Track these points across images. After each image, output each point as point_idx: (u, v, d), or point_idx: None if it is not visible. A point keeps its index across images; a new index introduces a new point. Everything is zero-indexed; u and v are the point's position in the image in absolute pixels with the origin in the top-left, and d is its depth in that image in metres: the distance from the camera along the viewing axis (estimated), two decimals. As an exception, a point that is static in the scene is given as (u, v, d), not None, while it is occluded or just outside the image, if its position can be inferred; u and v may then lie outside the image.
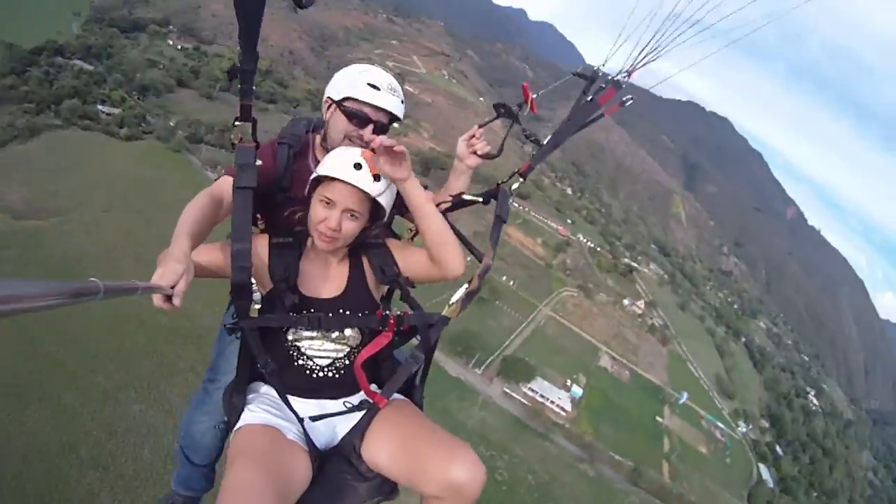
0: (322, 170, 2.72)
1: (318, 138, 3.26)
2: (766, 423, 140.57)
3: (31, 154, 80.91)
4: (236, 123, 2.63)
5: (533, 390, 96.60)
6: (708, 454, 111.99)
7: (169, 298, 2.09)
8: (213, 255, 2.72)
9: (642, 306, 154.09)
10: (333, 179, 2.69)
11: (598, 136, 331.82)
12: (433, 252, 2.86)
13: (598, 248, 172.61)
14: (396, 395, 3.01)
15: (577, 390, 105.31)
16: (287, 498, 2.45)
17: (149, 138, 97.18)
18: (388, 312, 2.96)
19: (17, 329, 45.14)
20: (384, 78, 3.09)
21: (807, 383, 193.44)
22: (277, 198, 3.08)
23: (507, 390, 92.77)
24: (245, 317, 2.69)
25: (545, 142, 3.19)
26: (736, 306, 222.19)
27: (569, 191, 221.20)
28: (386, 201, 2.81)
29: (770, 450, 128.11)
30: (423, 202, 2.81)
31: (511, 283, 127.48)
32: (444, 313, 2.93)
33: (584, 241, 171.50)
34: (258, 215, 3.24)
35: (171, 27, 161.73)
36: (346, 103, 3.03)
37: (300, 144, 3.22)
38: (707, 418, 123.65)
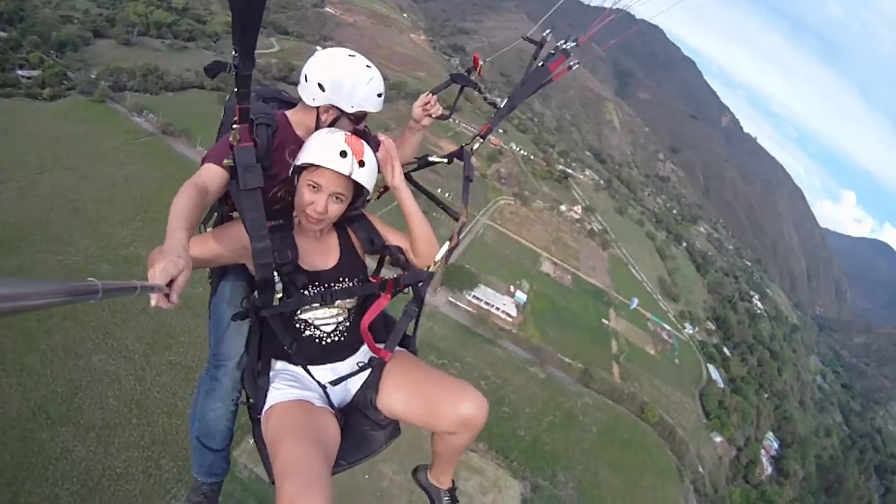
0: (308, 157, 3.04)
1: (294, 129, 3.42)
2: (712, 326, 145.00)
3: None
4: (234, 126, 2.86)
5: (477, 298, 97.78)
6: (656, 355, 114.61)
7: (167, 296, 2.20)
8: (204, 246, 3.03)
9: (579, 212, 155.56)
10: (320, 166, 3.04)
11: (525, 45, 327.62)
12: (418, 247, 3.48)
13: (532, 157, 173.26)
14: (396, 348, 3.48)
15: (521, 296, 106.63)
16: (332, 459, 2.84)
17: (72, 94, 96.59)
18: (385, 277, 3.44)
19: None
20: (381, 81, 3.46)
21: (750, 287, 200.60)
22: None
23: (452, 299, 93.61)
24: (269, 306, 3.10)
25: (502, 105, 3.77)
26: (675, 211, 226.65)
27: (499, 101, 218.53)
28: (370, 183, 3.19)
29: (718, 351, 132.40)
30: (413, 208, 3.42)
31: (446, 195, 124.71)
32: (430, 269, 3.48)
33: (518, 149, 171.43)
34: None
35: None
36: (355, 114, 3.42)
37: (276, 123, 3.28)
38: (653, 320, 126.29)
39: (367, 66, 3.38)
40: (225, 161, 3.00)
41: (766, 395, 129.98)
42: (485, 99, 4.05)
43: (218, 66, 3.13)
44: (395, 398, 3.29)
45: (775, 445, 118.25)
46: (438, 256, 3.46)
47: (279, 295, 3.11)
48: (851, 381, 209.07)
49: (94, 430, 44.28)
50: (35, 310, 1.05)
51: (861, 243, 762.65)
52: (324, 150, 3.00)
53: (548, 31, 3.58)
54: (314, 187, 3.06)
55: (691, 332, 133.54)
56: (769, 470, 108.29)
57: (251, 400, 3.43)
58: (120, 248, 62.86)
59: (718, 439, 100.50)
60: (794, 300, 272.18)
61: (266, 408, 3.14)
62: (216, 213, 3.62)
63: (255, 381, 3.34)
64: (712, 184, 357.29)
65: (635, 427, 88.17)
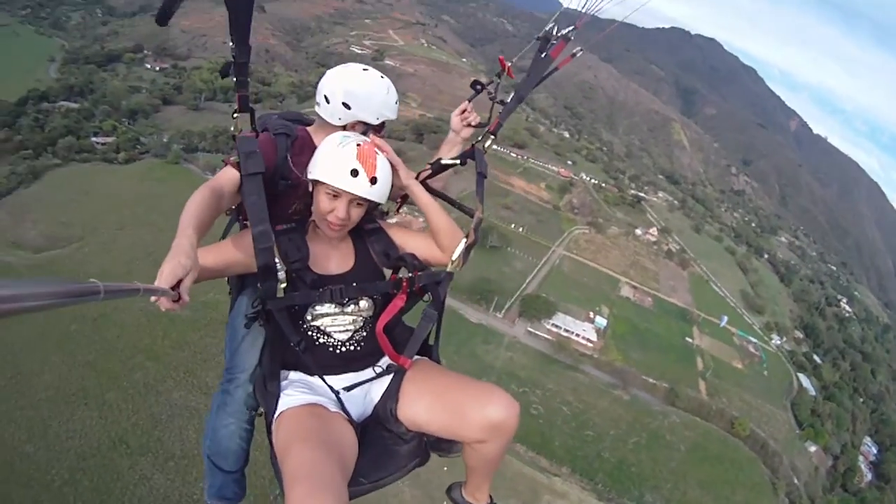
0: (320, 175, 2.96)
1: (316, 134, 3.46)
2: (800, 334, 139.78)
3: (38, 195, 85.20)
4: (235, 115, 2.99)
5: (556, 326, 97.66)
6: (744, 369, 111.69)
7: (174, 299, 2.22)
8: (218, 253, 2.98)
9: (656, 233, 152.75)
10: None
11: (587, 75, 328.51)
12: (441, 240, 3.32)
13: (603, 184, 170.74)
14: (417, 357, 3.26)
15: (601, 321, 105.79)
16: (347, 468, 2.65)
17: (146, 157, 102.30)
18: (400, 276, 3.27)
19: (56, 343, 51.56)
20: (394, 89, 3.46)
21: (837, 291, 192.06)
22: (279, 186, 3.25)
23: (531, 329, 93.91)
24: (273, 297, 2.94)
25: (509, 100, 3.59)
26: (753, 224, 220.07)
27: (566, 134, 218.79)
28: (383, 198, 3.10)
29: (808, 359, 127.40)
30: (428, 200, 3.31)
31: (520, 229, 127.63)
32: (448, 269, 3.26)
33: (588, 178, 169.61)
34: None
35: (145, 51, 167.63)
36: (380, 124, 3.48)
37: (295, 134, 3.39)
38: (739, 334, 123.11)
39: (381, 77, 3.47)
40: (231, 158, 3.06)
41: (861, 400, 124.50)
42: (491, 99, 3.70)
43: (229, 65, 3.05)
44: (417, 407, 3.07)
45: (874, 450, 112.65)
46: (455, 255, 3.26)
47: (283, 285, 3.00)
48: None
49: (174, 460, 46.19)
50: (36, 310, 1.04)
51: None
52: (336, 168, 2.95)
53: (552, 23, 3.44)
54: (334, 196, 3.02)
55: (779, 342, 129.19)
56: (869, 476, 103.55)
57: (262, 409, 3.26)
58: (199, 296, 64.93)
59: (813, 448, 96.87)
60: (883, 300, 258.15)
61: (276, 415, 2.98)
62: (234, 223, 3.71)
63: (265, 388, 3.16)
64: (788, 191, 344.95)
65: (725, 442, 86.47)
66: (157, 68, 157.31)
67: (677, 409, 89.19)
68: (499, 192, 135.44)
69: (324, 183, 2.97)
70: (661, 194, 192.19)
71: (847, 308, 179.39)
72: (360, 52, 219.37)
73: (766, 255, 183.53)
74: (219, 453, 3.63)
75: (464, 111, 3.80)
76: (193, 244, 2.46)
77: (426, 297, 3.30)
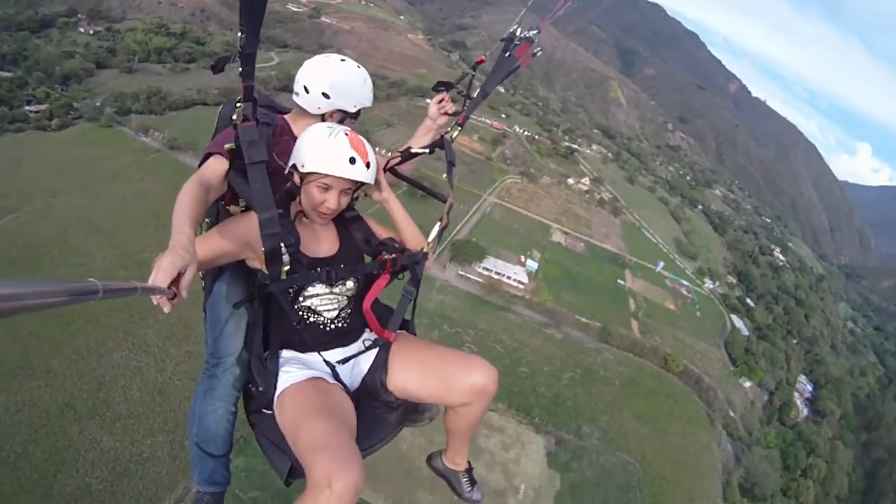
0: (315, 165, 3.11)
1: (295, 122, 3.71)
2: (733, 280, 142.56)
3: None
4: (239, 104, 3.00)
5: (487, 269, 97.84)
6: (676, 310, 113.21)
7: (171, 297, 2.24)
8: (208, 245, 3.03)
9: (588, 183, 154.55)
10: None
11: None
12: (409, 245, 3.64)
13: (537, 136, 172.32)
14: (399, 331, 3.55)
15: (532, 264, 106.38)
16: (353, 434, 2.90)
17: (80, 122, 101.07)
18: (385, 258, 3.51)
19: None
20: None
21: (771, 242, 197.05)
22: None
23: (462, 272, 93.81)
24: (277, 280, 3.11)
25: (475, 95, 3.97)
26: (689, 178, 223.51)
27: (501, 89, 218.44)
28: (373, 178, 3.33)
29: (741, 302, 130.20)
30: (403, 214, 3.66)
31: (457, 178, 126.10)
32: (425, 250, 3.61)
33: (522, 131, 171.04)
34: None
35: (79, 15, 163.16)
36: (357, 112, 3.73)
37: (276, 123, 3.62)
38: (671, 277, 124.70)
39: (358, 66, 3.67)
40: (227, 145, 3.12)
41: (794, 341, 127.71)
42: (458, 92, 4.01)
43: (223, 60, 3.12)
44: (405, 377, 3.38)
45: (809, 388, 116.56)
46: (431, 237, 3.63)
47: (286, 268, 3.13)
48: (883, 324, 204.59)
49: (120, 421, 47.00)
50: (35, 310, 1.05)
51: (882, 192, 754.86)
52: (332, 157, 3.10)
53: (515, 24, 3.83)
54: (324, 188, 3.18)
55: (712, 286, 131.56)
56: (805, 412, 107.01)
57: (260, 388, 3.37)
58: (135, 255, 64.63)
59: (748, 384, 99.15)
60: (818, 252, 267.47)
61: (278, 392, 3.18)
62: (212, 213, 3.70)
63: (263, 367, 3.34)
64: (725, 149, 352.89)
65: (659, 378, 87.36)
66: (91, 32, 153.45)
67: (610, 347, 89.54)
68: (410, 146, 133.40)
69: (318, 174, 3.13)
70: (594, 147, 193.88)
71: (781, 257, 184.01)
72: (296, 9, 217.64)
73: (700, 207, 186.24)
74: (207, 439, 3.67)
75: (441, 101, 4.08)
76: (191, 239, 2.49)
77: (401, 276, 3.62)
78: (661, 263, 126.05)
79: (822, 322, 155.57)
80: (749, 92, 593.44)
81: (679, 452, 73.80)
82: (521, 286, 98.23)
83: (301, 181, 3.24)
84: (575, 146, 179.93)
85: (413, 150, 3.97)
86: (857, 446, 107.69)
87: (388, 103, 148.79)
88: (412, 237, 3.66)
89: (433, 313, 78.91)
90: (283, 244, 3.06)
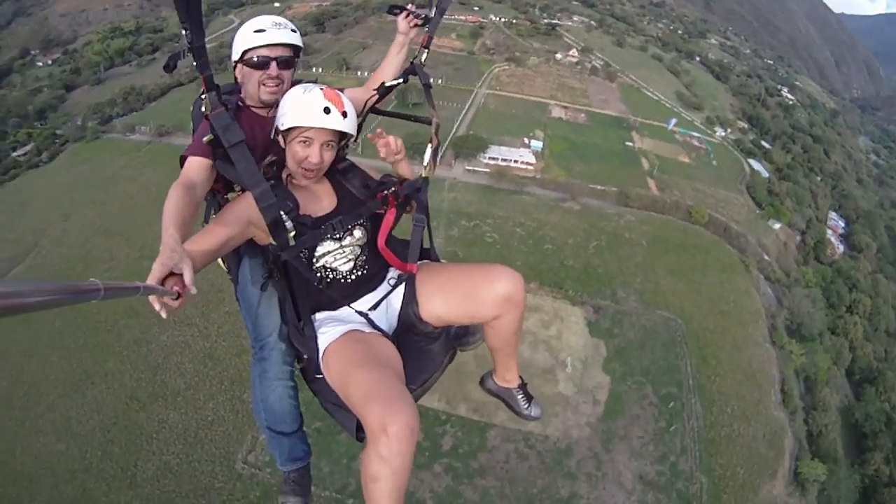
0: (294, 120, 3.22)
1: (248, 104, 3.74)
2: (744, 125, 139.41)
3: None
4: (203, 95, 3.15)
5: (493, 158, 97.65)
6: (691, 162, 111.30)
7: (173, 297, 2.42)
8: (212, 235, 3.09)
9: (576, 54, 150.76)
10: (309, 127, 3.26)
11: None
12: (406, 171, 3.74)
13: (514, 21, 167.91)
14: (419, 261, 3.66)
15: (537, 143, 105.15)
16: (400, 375, 3.05)
17: (68, 146, 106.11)
18: (385, 192, 3.59)
19: (47, 344, 56.62)
20: (267, 19, 3.58)
21: (777, 82, 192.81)
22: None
23: (469, 167, 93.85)
24: (286, 247, 3.24)
25: (433, 14, 4.08)
26: (680, 31, 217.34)
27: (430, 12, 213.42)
28: (354, 129, 3.42)
29: (756, 146, 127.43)
30: (407, 167, 3.73)
31: (439, 81, 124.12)
32: (423, 175, 3.71)
33: (498, 18, 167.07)
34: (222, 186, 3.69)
35: (32, 52, 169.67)
36: (245, 56, 3.57)
37: (235, 103, 3.59)
38: (681, 131, 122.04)
39: (257, 17, 3.60)
40: (204, 139, 3.21)
41: (818, 178, 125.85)
42: (418, 17, 4.08)
43: (173, 57, 3.19)
44: (435, 303, 3.45)
45: (841, 224, 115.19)
46: (426, 160, 3.69)
47: (292, 233, 3.22)
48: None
49: (181, 395, 52.13)
50: (36, 309, 1.06)
51: (881, 20, 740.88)
52: (307, 110, 3.18)
53: None
54: (305, 142, 3.25)
55: (723, 134, 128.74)
56: (841, 248, 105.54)
57: (305, 357, 3.49)
58: (156, 245, 64.44)
59: (777, 226, 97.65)
60: (827, 88, 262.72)
61: (322, 354, 3.29)
62: (212, 207, 3.75)
63: (300, 335, 3.44)
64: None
65: (685, 231, 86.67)
66: (50, 62, 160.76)
67: (631, 209, 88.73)
68: (409, 56, 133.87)
69: (298, 128, 3.23)
70: (576, 18, 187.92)
71: (790, 96, 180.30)
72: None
73: (697, 58, 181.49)
74: (276, 419, 3.78)
75: (408, 15, 4.16)
76: (177, 239, 2.61)
77: (409, 209, 3.70)
78: (674, 120, 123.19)
79: (844, 157, 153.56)
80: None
81: (719, 302, 73.62)
82: (529, 167, 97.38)
83: (284, 143, 3.31)
84: (556, 21, 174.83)
85: (388, 85, 4.07)
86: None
87: (358, 27, 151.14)
88: (410, 170, 3.74)
89: (448, 212, 79.68)
90: (282, 212, 3.17)
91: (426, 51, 4.15)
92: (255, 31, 3.52)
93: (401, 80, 4.11)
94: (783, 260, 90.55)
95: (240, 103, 3.67)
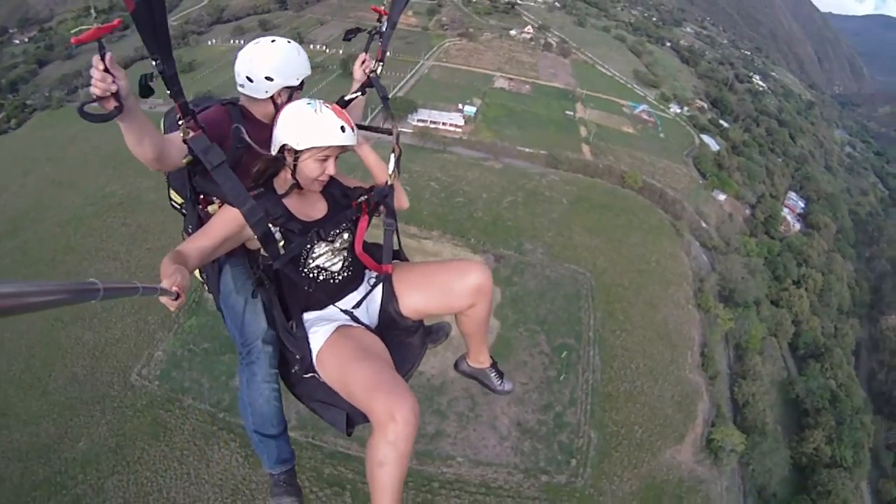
0: (315, 141, 3.38)
1: (252, 111, 3.99)
2: (704, 104, 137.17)
3: None
4: (181, 122, 3.21)
5: (421, 120, 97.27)
6: (636, 132, 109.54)
7: (173, 297, 2.67)
8: (207, 236, 3.33)
9: (532, 31, 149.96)
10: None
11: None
12: (380, 176, 4.03)
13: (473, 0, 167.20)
14: (393, 261, 3.95)
15: (470, 109, 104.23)
16: (392, 366, 3.31)
17: (35, 114, 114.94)
18: (359, 200, 3.82)
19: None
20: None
21: (751, 71, 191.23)
22: (238, 149, 3.64)
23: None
24: (278, 256, 3.44)
25: (384, 28, 4.39)
26: (654, 19, 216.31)
27: (382, 26, 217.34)
28: (357, 140, 3.69)
29: (714, 125, 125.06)
30: (374, 157, 4.05)
31: (388, 54, 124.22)
32: (389, 182, 3.99)
33: None
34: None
35: (10, 31, 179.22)
36: (276, 93, 3.89)
37: (240, 106, 3.94)
38: (630, 105, 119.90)
39: (288, 42, 3.91)
40: (183, 160, 3.36)
41: (780, 159, 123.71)
42: (369, 33, 4.47)
43: (144, 78, 2.99)
44: (413, 298, 3.77)
45: (801, 204, 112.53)
46: (391, 168, 3.97)
47: (282, 243, 3.44)
48: (885, 149, 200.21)
49: (97, 317, 57.22)
50: (36, 309, 1.10)
51: (868, 21, 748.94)
52: (326, 130, 3.37)
53: None
54: (323, 159, 3.46)
55: (679, 111, 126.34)
56: (797, 226, 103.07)
57: (297, 356, 3.63)
58: (100, 193, 76.51)
59: (722, 197, 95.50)
60: (807, 82, 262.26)
61: (315, 354, 3.50)
62: (192, 220, 3.90)
63: (292, 336, 3.61)
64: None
65: (614, 193, 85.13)
66: (26, 39, 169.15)
67: (558, 171, 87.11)
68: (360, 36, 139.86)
69: (316, 148, 3.41)
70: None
71: (761, 83, 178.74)
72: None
73: (668, 44, 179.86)
74: (263, 422, 3.91)
75: (363, 62, 4.50)
76: (170, 263, 2.85)
77: (379, 213, 3.99)
78: (643, 106, 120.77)
79: (815, 144, 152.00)
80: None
81: (637, 261, 72.15)
82: (457, 129, 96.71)
83: (295, 159, 3.46)
84: (517, 1, 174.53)
85: (347, 98, 4.35)
86: (858, 261, 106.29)
87: (319, 4, 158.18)
88: (380, 168, 4.02)
89: (363, 167, 77.89)
90: (271, 222, 3.39)
91: (381, 64, 4.43)
92: (306, 60, 3.97)
93: (359, 93, 4.41)
94: (725, 230, 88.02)
95: (241, 107, 3.93)
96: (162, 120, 3.86)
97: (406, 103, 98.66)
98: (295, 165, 3.48)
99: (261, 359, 3.81)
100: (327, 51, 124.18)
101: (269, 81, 3.77)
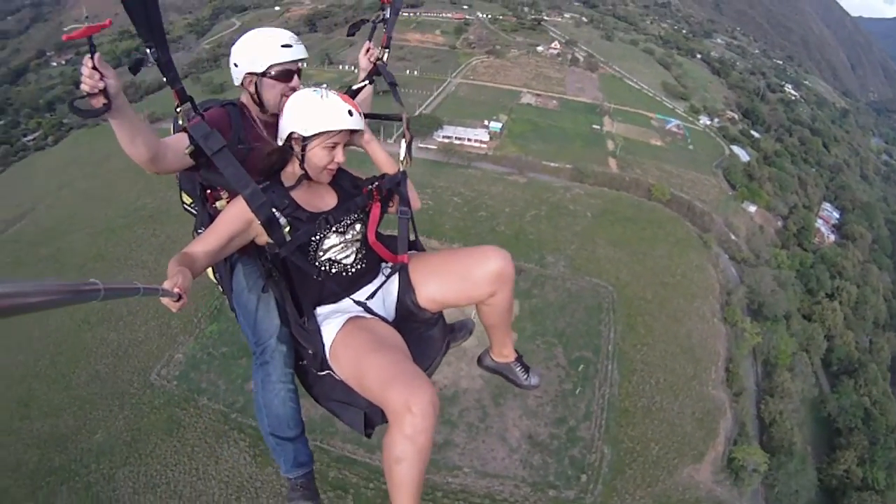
0: (323, 126, 3.37)
1: (249, 109, 3.92)
2: (735, 115, 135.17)
3: None
4: (178, 109, 3.33)
5: (447, 136, 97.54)
6: (664, 145, 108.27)
7: (175, 298, 2.69)
8: (214, 236, 3.32)
9: (559, 47, 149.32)
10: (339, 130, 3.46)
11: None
12: (386, 166, 3.93)
13: (500, 17, 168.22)
14: (409, 252, 3.85)
15: (496, 125, 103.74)
16: (409, 356, 3.21)
17: (72, 132, 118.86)
18: (370, 187, 3.74)
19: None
20: (285, 34, 3.80)
21: (783, 81, 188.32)
22: (240, 149, 3.59)
23: (421, 145, 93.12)
24: (283, 242, 3.39)
25: (387, 15, 4.40)
26: (685, 31, 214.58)
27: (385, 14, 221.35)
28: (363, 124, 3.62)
29: (745, 135, 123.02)
30: (379, 147, 3.85)
31: (414, 72, 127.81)
32: (401, 169, 3.89)
33: (485, 16, 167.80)
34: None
35: (48, 53, 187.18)
36: (271, 70, 3.73)
37: (241, 105, 3.88)
38: (658, 117, 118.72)
39: (269, 29, 3.78)
40: (185, 150, 3.32)
41: (813, 169, 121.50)
42: (373, 22, 4.46)
43: (138, 61, 3.20)
44: (430, 288, 3.64)
45: (836, 214, 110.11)
46: (402, 154, 3.88)
47: (287, 228, 3.37)
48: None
49: (123, 319, 60.03)
50: (37, 309, 1.10)
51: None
52: (333, 115, 3.36)
53: None
54: (332, 147, 3.43)
55: (708, 123, 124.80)
56: (831, 237, 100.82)
57: (310, 352, 3.57)
58: (130, 205, 79.61)
59: (752, 208, 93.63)
60: (840, 89, 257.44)
61: (328, 348, 3.42)
62: (202, 219, 3.94)
63: (304, 330, 3.55)
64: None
65: (640, 206, 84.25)
66: (63, 62, 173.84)
67: (583, 185, 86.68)
68: (393, 48, 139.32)
69: (325, 134, 3.39)
70: (567, 15, 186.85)
71: (793, 92, 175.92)
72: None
73: (699, 56, 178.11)
74: (279, 424, 3.85)
75: (368, 50, 4.47)
76: (178, 260, 2.97)
77: (391, 205, 3.89)
78: (675, 121, 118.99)
79: (850, 153, 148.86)
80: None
81: (663, 274, 71.26)
82: (482, 145, 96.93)
83: (303, 148, 3.42)
84: (543, 17, 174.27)
85: (355, 87, 4.32)
86: (895, 272, 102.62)
87: (347, 26, 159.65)
88: (390, 164, 3.90)
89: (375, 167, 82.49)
90: (276, 210, 3.33)
91: (387, 50, 4.38)
92: (283, 46, 3.69)
93: (367, 82, 4.39)
94: (755, 242, 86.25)
95: (240, 103, 3.87)
96: (172, 125, 3.87)
97: (431, 120, 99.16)
98: (303, 155, 3.46)
99: (275, 358, 3.79)
100: (356, 70, 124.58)
101: (235, 68, 3.78)
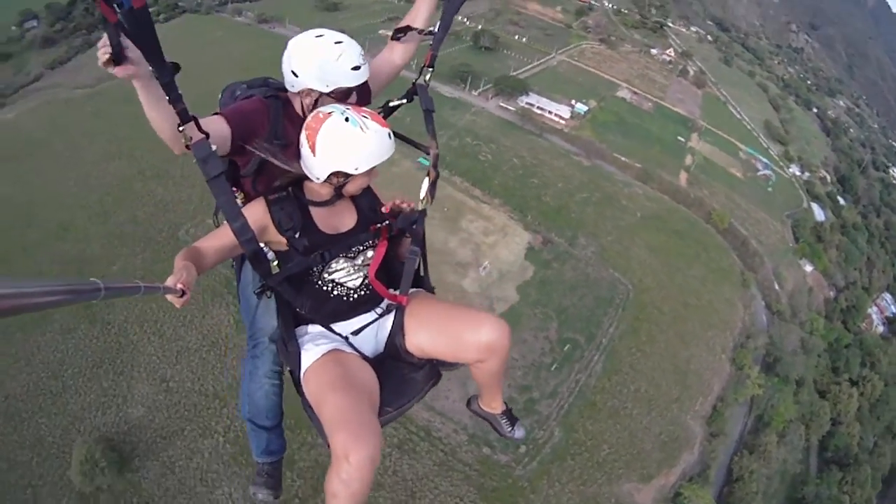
0: (372, 162, 3.26)
1: (294, 107, 3.72)
2: (828, 176, 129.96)
3: (91, 56, 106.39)
4: (181, 128, 3.07)
5: (530, 103, 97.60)
6: (742, 178, 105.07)
7: (178, 294, 2.75)
8: (223, 236, 3.29)
9: (673, 54, 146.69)
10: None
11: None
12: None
13: (625, 10, 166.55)
14: (412, 290, 3.73)
15: (582, 107, 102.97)
16: (374, 402, 3.24)
17: (184, 15, 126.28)
18: (379, 225, 3.61)
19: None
20: (357, 53, 3.51)
21: (891, 163, 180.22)
22: (274, 145, 3.48)
23: (503, 104, 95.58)
24: (269, 276, 3.38)
25: (436, 30, 3.94)
26: (809, 82, 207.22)
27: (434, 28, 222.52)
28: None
29: (831, 198, 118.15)
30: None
31: (523, 39, 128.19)
32: (419, 208, 3.67)
33: (610, 5, 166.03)
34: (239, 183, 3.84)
35: None
36: (335, 92, 3.54)
37: (284, 98, 3.71)
38: (748, 151, 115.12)
39: (337, 42, 3.47)
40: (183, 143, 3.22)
41: (886, 256, 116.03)
42: (419, 32, 3.95)
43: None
44: (420, 337, 3.56)
45: (893, 308, 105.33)
46: (423, 193, 3.66)
47: (275, 263, 3.44)
48: None
49: (173, 179, 65.26)
50: (36, 309, 1.09)
51: None
52: (381, 148, 3.26)
53: None
54: (370, 170, 3.30)
55: (798, 173, 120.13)
56: (880, 328, 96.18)
57: (289, 369, 3.66)
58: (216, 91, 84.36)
59: (809, 268, 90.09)
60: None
61: (303, 372, 3.42)
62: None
63: (286, 349, 3.57)
64: (856, 61, 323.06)
65: (694, 224, 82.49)
66: None
67: (645, 186, 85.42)
68: (510, 12, 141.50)
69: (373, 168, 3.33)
70: (693, 28, 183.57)
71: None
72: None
73: (815, 110, 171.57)
74: (258, 413, 4.02)
75: None
76: (182, 255, 3.00)
77: (403, 238, 3.75)
78: (766, 163, 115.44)
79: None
80: (889, 7, 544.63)
81: (688, 294, 69.70)
82: (561, 121, 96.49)
83: (346, 180, 3.32)
84: (668, 23, 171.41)
85: (392, 105, 3.99)
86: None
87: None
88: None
89: (461, 128, 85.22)
90: (281, 226, 3.32)
91: (431, 70, 3.96)
92: (353, 69, 3.47)
93: (405, 101, 4.02)
94: (798, 300, 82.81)
95: (285, 98, 3.71)
96: (220, 96, 3.91)
97: (519, 83, 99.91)
98: (342, 185, 3.36)
99: (265, 355, 3.87)
100: (467, 22, 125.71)
101: (293, 77, 3.51)
